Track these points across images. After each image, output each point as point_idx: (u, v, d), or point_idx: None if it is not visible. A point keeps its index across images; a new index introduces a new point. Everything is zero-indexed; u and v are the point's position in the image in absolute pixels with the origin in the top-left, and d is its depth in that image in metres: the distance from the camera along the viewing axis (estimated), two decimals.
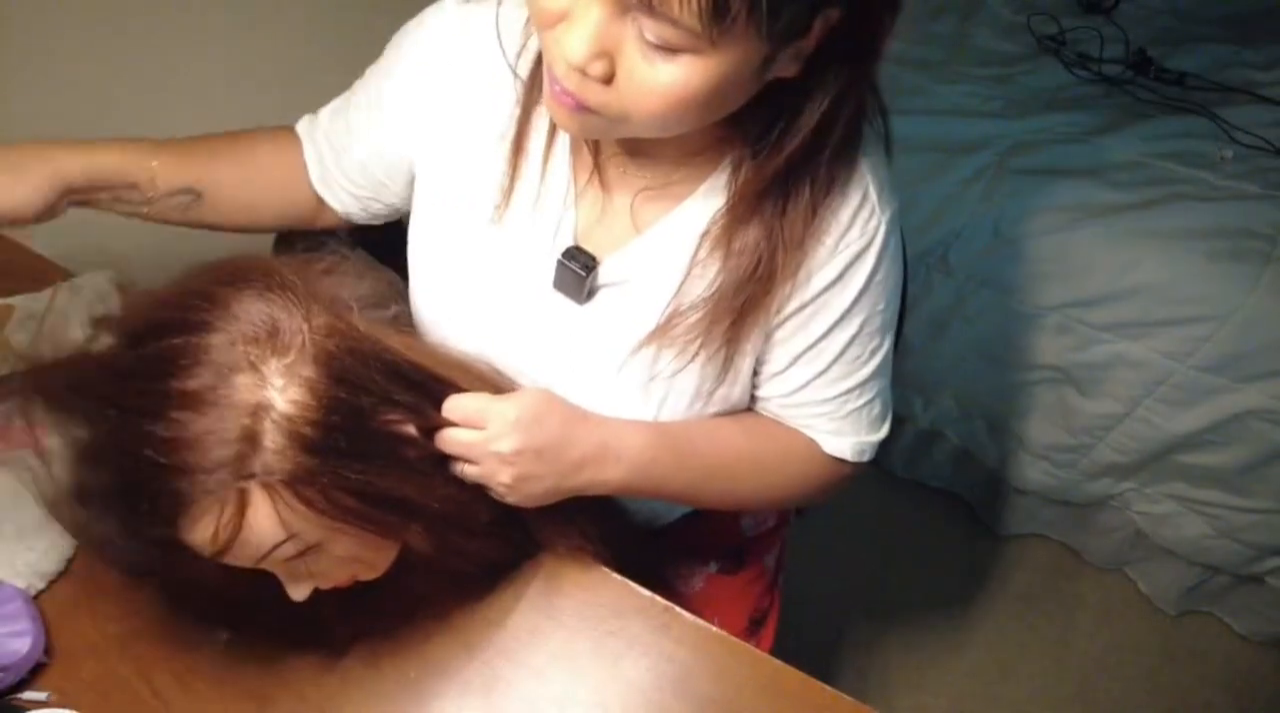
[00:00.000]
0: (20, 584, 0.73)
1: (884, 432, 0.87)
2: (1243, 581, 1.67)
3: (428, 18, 0.79)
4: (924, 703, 1.65)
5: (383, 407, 0.61)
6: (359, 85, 0.85)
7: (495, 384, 0.73)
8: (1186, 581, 1.71)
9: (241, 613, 0.66)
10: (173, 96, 1.29)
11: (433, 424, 0.66)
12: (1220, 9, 2.02)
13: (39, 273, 0.98)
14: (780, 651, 1.08)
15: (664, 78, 0.56)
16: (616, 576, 0.79)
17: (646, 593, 0.78)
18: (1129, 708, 1.66)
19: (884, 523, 1.88)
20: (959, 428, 1.79)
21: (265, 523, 0.58)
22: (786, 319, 0.76)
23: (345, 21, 1.46)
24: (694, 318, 0.74)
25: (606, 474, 0.74)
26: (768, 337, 0.77)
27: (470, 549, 0.72)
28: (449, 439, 0.67)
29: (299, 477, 0.57)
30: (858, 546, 1.83)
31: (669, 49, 0.54)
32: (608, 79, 0.57)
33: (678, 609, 0.77)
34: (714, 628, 0.77)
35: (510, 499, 0.70)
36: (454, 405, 0.66)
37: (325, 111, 0.88)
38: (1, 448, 0.82)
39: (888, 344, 0.82)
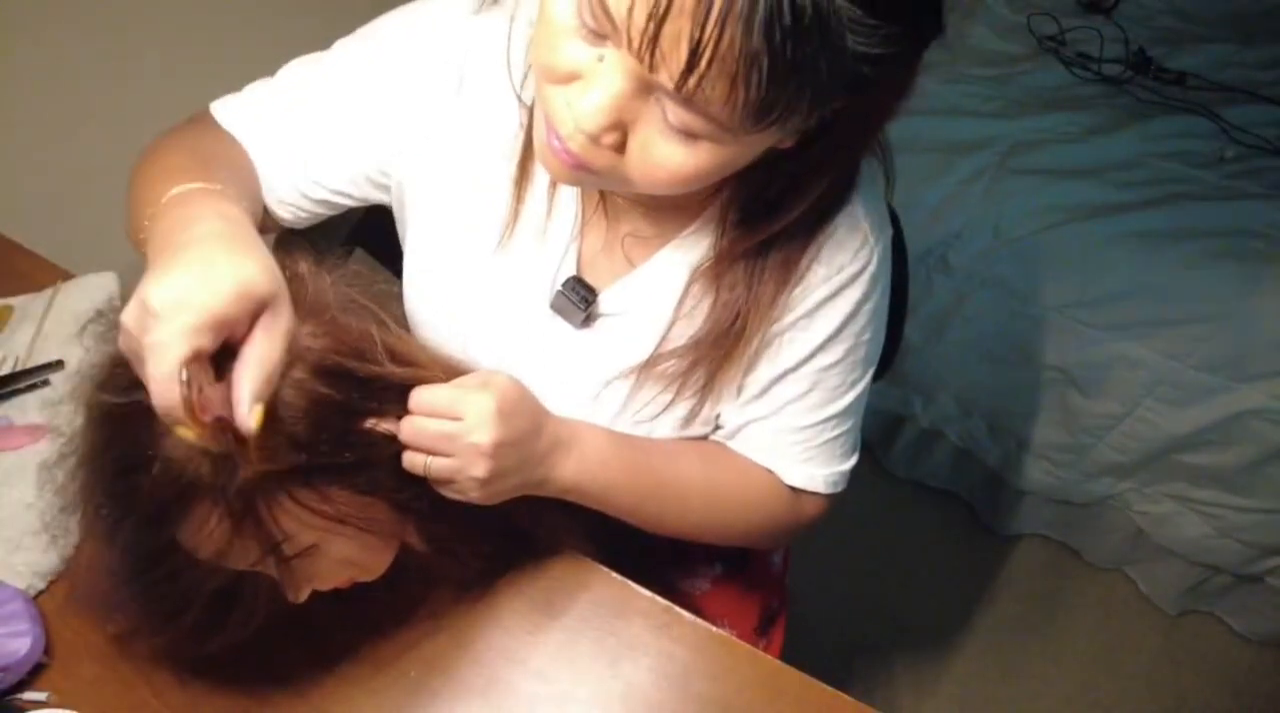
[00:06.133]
0: (20, 584, 0.73)
1: (854, 460, 0.84)
2: (1243, 580, 1.67)
3: (429, 19, 0.74)
4: (924, 703, 1.65)
5: (373, 407, 0.61)
6: (334, 71, 0.77)
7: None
8: (1186, 580, 1.72)
9: (240, 615, 0.66)
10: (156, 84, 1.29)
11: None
12: (1220, 9, 2.02)
13: (39, 273, 0.98)
14: (783, 650, 1.08)
15: (677, 158, 0.54)
16: (617, 576, 0.79)
17: (647, 593, 0.78)
18: (1129, 708, 1.66)
19: (884, 523, 1.88)
20: (959, 428, 1.79)
21: (260, 525, 0.57)
22: (768, 344, 0.75)
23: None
24: (673, 364, 0.75)
25: (560, 470, 0.70)
26: (747, 370, 0.77)
27: (466, 549, 0.71)
28: (420, 430, 0.61)
29: (292, 479, 0.57)
30: (858, 546, 1.83)
31: (689, 134, 0.53)
32: (618, 148, 0.56)
33: (678, 609, 0.77)
34: (714, 628, 0.77)
35: (474, 496, 0.65)
36: (425, 397, 0.62)
37: (259, 96, 0.79)
38: (3, 449, 0.82)
39: (867, 379, 0.80)
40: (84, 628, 0.72)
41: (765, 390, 0.78)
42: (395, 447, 0.62)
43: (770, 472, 0.82)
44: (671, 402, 0.77)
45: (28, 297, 0.95)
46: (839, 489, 0.84)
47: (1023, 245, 1.58)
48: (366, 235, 0.98)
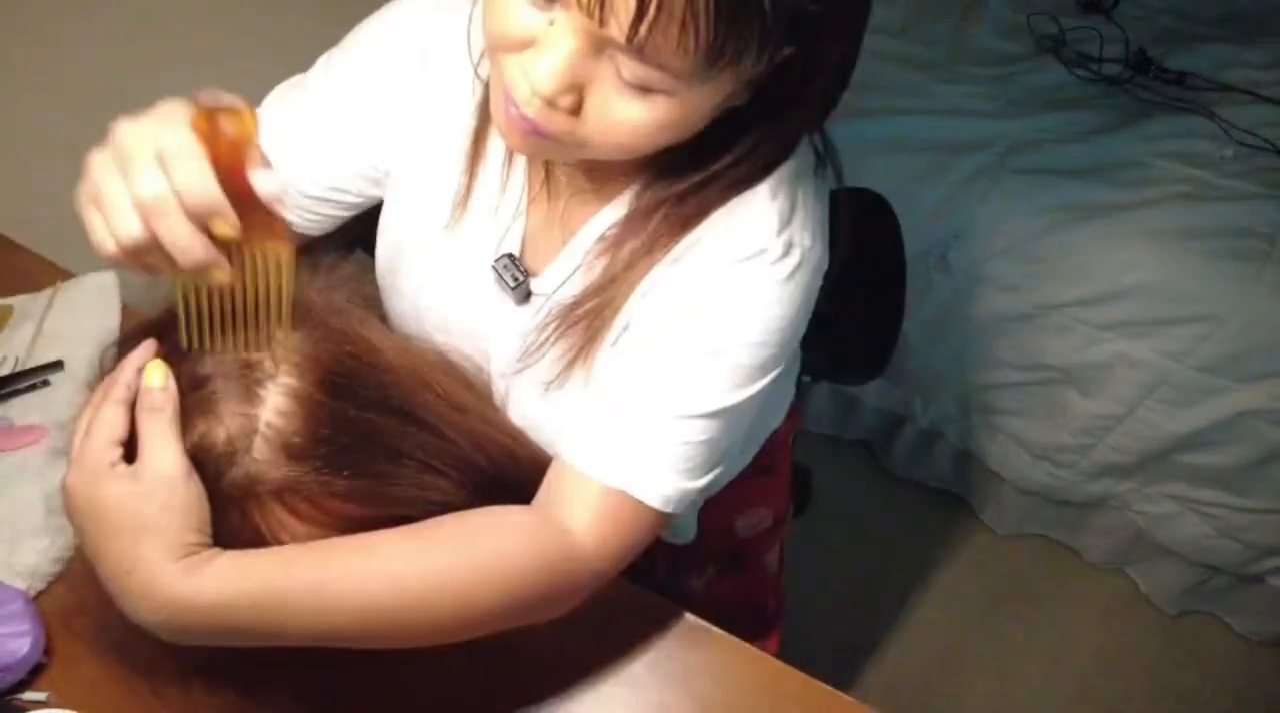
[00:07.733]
0: (20, 585, 0.73)
1: (702, 482, 0.68)
2: (1243, 580, 1.67)
3: (398, 13, 0.76)
4: (924, 703, 1.65)
5: (371, 414, 0.61)
6: (316, 79, 0.79)
7: (479, 385, 0.74)
8: (1186, 581, 1.72)
9: None
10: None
11: (420, 428, 0.64)
12: (1220, 9, 2.02)
13: (39, 273, 0.98)
14: (783, 650, 1.08)
15: (634, 114, 0.55)
16: (617, 576, 0.79)
17: (647, 593, 0.78)
18: (1129, 708, 1.66)
19: (884, 523, 1.88)
20: (959, 428, 1.79)
21: (255, 533, 0.57)
22: (635, 313, 0.69)
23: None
24: (553, 327, 0.71)
25: (183, 576, 0.53)
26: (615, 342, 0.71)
27: None
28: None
29: (287, 487, 0.57)
30: (858, 546, 1.83)
31: (644, 89, 0.54)
32: (575, 111, 0.56)
33: (678, 609, 0.77)
34: (714, 628, 0.77)
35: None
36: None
37: (270, 107, 0.80)
38: (3, 449, 0.82)
39: (752, 399, 0.67)
40: (84, 628, 0.72)
41: (632, 349, 0.69)
42: (395, 456, 0.62)
43: (531, 511, 0.67)
44: (563, 366, 0.72)
45: (28, 297, 0.95)
46: (671, 508, 0.67)
47: (1023, 245, 1.58)
48: (363, 236, 0.98)
